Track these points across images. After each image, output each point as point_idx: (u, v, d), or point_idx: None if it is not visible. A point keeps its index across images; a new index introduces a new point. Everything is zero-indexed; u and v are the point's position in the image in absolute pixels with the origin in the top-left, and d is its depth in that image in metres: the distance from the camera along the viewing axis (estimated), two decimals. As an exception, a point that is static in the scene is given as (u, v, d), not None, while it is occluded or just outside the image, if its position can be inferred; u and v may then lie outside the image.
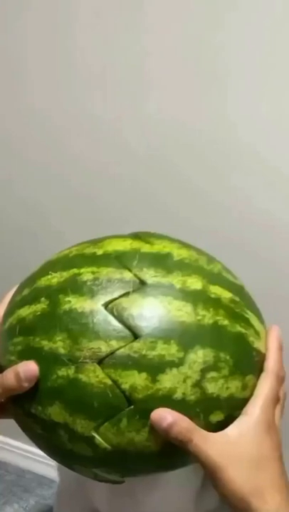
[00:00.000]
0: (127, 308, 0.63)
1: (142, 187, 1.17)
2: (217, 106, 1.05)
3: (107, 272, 0.65)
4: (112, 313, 0.62)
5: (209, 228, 1.12)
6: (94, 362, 0.61)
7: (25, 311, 0.67)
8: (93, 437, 0.62)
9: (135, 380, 0.60)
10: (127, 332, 0.62)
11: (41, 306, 0.66)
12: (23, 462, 1.54)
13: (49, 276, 0.68)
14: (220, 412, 0.63)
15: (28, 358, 0.64)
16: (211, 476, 0.61)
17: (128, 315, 0.62)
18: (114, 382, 0.60)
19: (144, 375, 0.60)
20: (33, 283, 0.70)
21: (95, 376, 0.61)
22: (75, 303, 0.64)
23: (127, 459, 0.63)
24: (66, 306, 0.64)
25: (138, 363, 0.60)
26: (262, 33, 0.98)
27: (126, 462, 0.64)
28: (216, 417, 0.63)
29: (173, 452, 0.63)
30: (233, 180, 1.08)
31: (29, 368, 0.63)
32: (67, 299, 0.64)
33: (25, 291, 0.70)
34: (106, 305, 0.63)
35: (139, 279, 0.65)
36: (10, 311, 0.70)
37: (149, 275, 0.65)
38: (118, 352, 0.61)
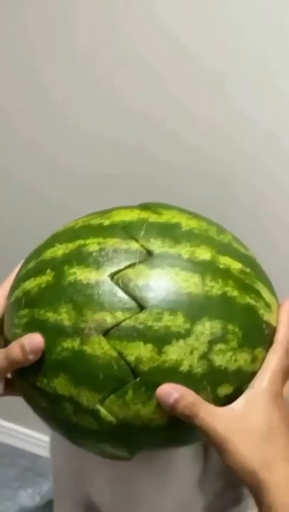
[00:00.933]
0: (133, 279, 0.62)
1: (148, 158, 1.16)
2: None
3: (113, 243, 0.65)
4: (117, 284, 0.62)
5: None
6: (99, 334, 0.60)
7: (30, 284, 0.67)
8: (98, 410, 0.61)
9: (140, 351, 0.60)
10: (132, 303, 0.61)
11: (46, 278, 0.65)
12: (37, 449, 1.55)
13: (55, 248, 0.68)
14: (228, 385, 0.62)
15: (33, 331, 0.64)
16: (218, 451, 0.60)
17: (134, 286, 0.62)
18: (120, 354, 0.60)
19: (149, 346, 0.60)
20: (38, 256, 0.69)
21: (100, 348, 0.60)
22: (80, 274, 0.63)
23: (133, 432, 0.63)
24: (71, 278, 0.63)
25: (143, 335, 0.60)
26: None
27: (132, 436, 0.64)
28: (224, 390, 0.62)
29: (180, 425, 0.62)
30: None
31: (34, 340, 0.63)
32: (72, 270, 0.64)
33: (31, 264, 0.69)
34: (112, 276, 0.62)
35: (146, 249, 0.64)
36: (16, 284, 0.70)
37: (156, 246, 0.64)
38: (123, 323, 0.60)
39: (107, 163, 1.23)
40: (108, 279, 0.63)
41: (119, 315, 0.61)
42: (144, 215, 0.69)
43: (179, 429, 0.63)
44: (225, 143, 1.11)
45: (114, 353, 0.60)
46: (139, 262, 0.63)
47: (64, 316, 0.62)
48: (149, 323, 0.60)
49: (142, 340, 0.60)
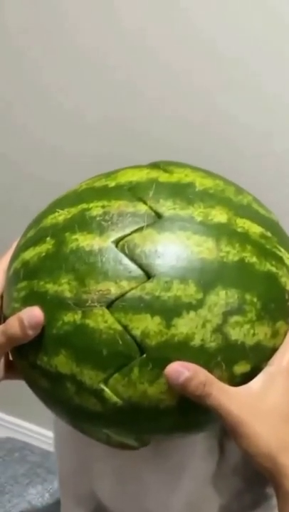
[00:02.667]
0: (140, 244, 0.58)
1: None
2: None
3: (118, 206, 0.61)
4: (123, 250, 0.58)
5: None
6: (102, 306, 0.57)
7: (29, 254, 0.63)
8: (102, 390, 0.58)
9: (147, 324, 0.56)
10: (139, 272, 0.58)
11: (46, 246, 0.62)
12: (48, 445, 1.52)
13: (56, 214, 0.64)
14: (245, 363, 0.59)
15: (32, 304, 0.61)
16: (233, 434, 0.57)
17: (140, 252, 0.58)
18: (125, 327, 0.56)
19: (157, 319, 0.56)
20: (38, 223, 0.66)
21: (103, 321, 0.57)
22: (82, 241, 0.60)
23: (140, 415, 0.59)
24: (73, 245, 0.60)
25: (151, 306, 0.56)
26: None
27: (139, 420, 0.60)
28: (241, 368, 0.59)
29: (192, 407, 0.58)
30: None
31: (33, 314, 0.60)
32: (74, 237, 0.60)
33: (31, 233, 0.66)
34: (117, 242, 0.59)
35: (154, 211, 0.60)
36: (15, 255, 0.66)
37: (166, 207, 0.60)
38: (129, 294, 0.57)
39: (100, 142, 1.22)
40: (112, 246, 0.59)
41: (125, 285, 0.57)
42: (153, 174, 0.64)
43: (190, 411, 0.60)
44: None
45: (119, 327, 0.56)
46: (147, 226, 0.60)
47: (65, 287, 0.59)
48: (157, 293, 0.57)
49: (148, 312, 0.57)
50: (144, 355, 0.57)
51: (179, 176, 0.64)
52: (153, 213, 0.60)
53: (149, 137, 1.17)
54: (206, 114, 1.13)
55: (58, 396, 0.62)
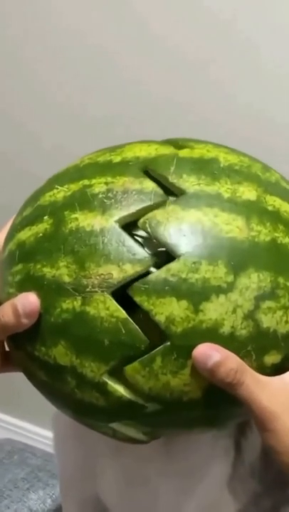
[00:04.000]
0: (163, 222, 0.55)
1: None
2: None
3: (123, 182, 0.58)
4: (144, 228, 0.56)
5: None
6: (104, 291, 0.54)
7: (25, 234, 0.60)
8: (105, 383, 0.55)
9: (173, 309, 0.53)
10: (145, 254, 0.55)
11: (44, 226, 0.59)
12: (51, 448, 1.48)
13: (54, 191, 0.61)
14: (276, 353, 0.56)
15: (28, 290, 0.57)
16: (261, 427, 0.55)
17: (164, 231, 0.55)
18: (148, 312, 0.53)
19: (184, 303, 0.53)
20: (35, 201, 0.62)
21: (104, 308, 0.54)
22: (82, 220, 0.57)
23: (160, 409, 0.56)
24: (72, 225, 0.57)
25: (177, 289, 0.53)
26: None
27: (158, 414, 0.57)
28: (272, 358, 0.56)
29: (217, 401, 0.57)
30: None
31: (29, 300, 0.57)
32: (73, 216, 0.57)
33: (27, 211, 0.62)
34: (120, 222, 0.56)
35: (177, 187, 0.57)
36: (9, 235, 0.63)
37: (190, 183, 0.57)
38: (152, 276, 0.54)
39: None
40: (116, 225, 0.56)
41: (128, 268, 0.55)
42: (163, 150, 0.61)
43: (216, 404, 0.58)
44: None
45: (122, 315, 0.53)
46: (170, 202, 0.57)
47: (63, 271, 0.56)
48: (184, 275, 0.53)
49: (174, 295, 0.54)
50: (168, 343, 0.54)
51: (200, 151, 0.62)
52: (161, 191, 0.57)
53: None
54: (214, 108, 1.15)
55: (59, 390, 0.59)
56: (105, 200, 0.57)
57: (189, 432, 0.65)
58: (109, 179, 0.59)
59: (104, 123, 1.25)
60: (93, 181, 0.59)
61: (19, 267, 0.60)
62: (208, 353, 0.54)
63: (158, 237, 0.55)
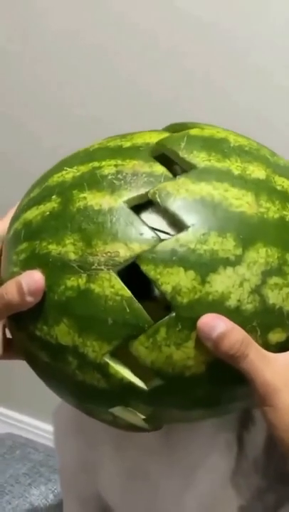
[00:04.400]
0: (173, 193, 0.55)
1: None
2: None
3: (133, 165, 0.58)
4: (154, 199, 0.56)
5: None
6: (110, 269, 0.54)
7: (32, 213, 0.60)
8: (107, 364, 0.55)
9: (180, 280, 0.53)
10: (152, 234, 0.55)
11: (51, 205, 0.59)
12: (53, 443, 1.48)
13: (63, 172, 0.62)
14: (281, 330, 0.56)
15: (33, 268, 0.57)
16: (263, 403, 0.55)
17: (174, 201, 0.55)
18: (154, 281, 0.53)
19: (191, 274, 0.53)
20: (43, 182, 0.62)
21: (110, 286, 0.54)
22: (91, 199, 0.57)
23: (161, 385, 0.56)
24: (80, 204, 0.57)
25: (185, 259, 0.54)
26: None
27: (158, 390, 0.57)
28: (276, 336, 0.56)
29: (220, 377, 0.57)
30: None
31: (34, 278, 0.56)
32: (82, 195, 0.58)
33: (34, 192, 0.63)
34: (129, 202, 0.57)
35: (187, 162, 0.57)
36: (15, 216, 0.63)
37: (200, 158, 0.58)
38: (160, 245, 0.55)
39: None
40: (124, 206, 0.56)
41: (136, 247, 0.55)
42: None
43: (218, 381, 0.57)
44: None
45: (127, 293, 0.53)
46: (180, 175, 0.57)
47: (69, 248, 0.56)
48: (192, 246, 0.54)
49: (182, 265, 0.54)
50: (174, 314, 0.54)
51: (210, 131, 0.63)
52: (170, 175, 0.58)
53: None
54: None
55: (59, 372, 0.59)
56: (115, 181, 0.58)
57: (189, 415, 0.63)
58: (119, 162, 0.59)
59: (103, 123, 1.26)
60: (103, 163, 0.59)
61: (24, 245, 0.60)
62: (214, 323, 0.53)
63: (167, 208, 0.55)
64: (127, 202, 0.57)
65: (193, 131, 0.62)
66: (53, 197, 0.60)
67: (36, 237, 0.59)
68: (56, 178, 0.62)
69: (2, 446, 1.41)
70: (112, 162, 0.59)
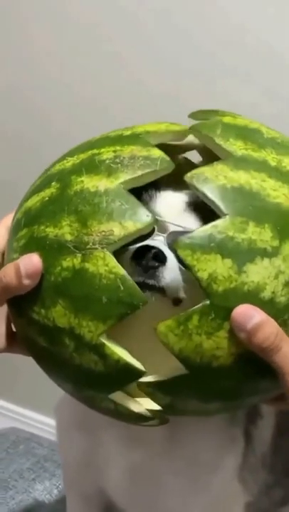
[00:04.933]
0: (212, 179, 0.56)
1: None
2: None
3: (131, 150, 0.59)
4: (191, 183, 0.57)
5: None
6: (104, 248, 0.55)
7: (32, 201, 0.62)
8: (103, 345, 0.55)
9: (217, 267, 0.53)
10: (146, 213, 0.56)
11: (50, 190, 0.61)
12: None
13: (64, 161, 0.63)
14: None
15: (31, 251, 0.58)
16: None
17: (213, 188, 0.55)
18: (190, 267, 0.53)
19: (228, 262, 0.53)
20: (46, 172, 0.64)
21: (104, 265, 0.54)
22: (87, 182, 0.58)
23: (185, 376, 0.56)
24: (77, 187, 0.59)
25: (223, 247, 0.54)
26: None
27: (182, 381, 0.56)
28: None
29: (246, 370, 0.57)
30: None
31: (31, 261, 0.57)
32: (80, 179, 0.59)
33: (37, 182, 0.64)
34: (125, 184, 0.57)
35: (224, 150, 0.57)
36: (18, 207, 0.65)
37: (237, 147, 0.58)
38: (198, 231, 0.55)
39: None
40: (120, 187, 0.57)
41: (130, 225, 0.56)
42: (174, 127, 0.64)
43: (243, 374, 0.57)
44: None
45: (121, 271, 0.54)
46: (218, 162, 0.58)
47: (66, 230, 0.57)
48: (231, 233, 0.54)
49: (219, 253, 0.54)
50: (208, 302, 0.54)
51: (243, 121, 0.63)
52: (168, 158, 0.58)
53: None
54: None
55: (57, 356, 0.59)
56: (112, 165, 0.58)
57: (206, 408, 0.63)
58: (117, 148, 0.60)
59: (111, 112, 1.26)
60: (102, 150, 0.61)
61: (24, 231, 0.61)
62: (249, 313, 0.53)
63: (205, 193, 0.56)
64: (123, 183, 0.57)
65: (226, 119, 0.63)
66: (53, 183, 0.61)
67: (35, 222, 0.60)
68: (57, 167, 0.63)
69: (6, 441, 1.41)
70: (111, 148, 0.60)
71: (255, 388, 0.59)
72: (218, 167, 0.57)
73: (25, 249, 0.60)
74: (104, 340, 0.56)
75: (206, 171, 0.57)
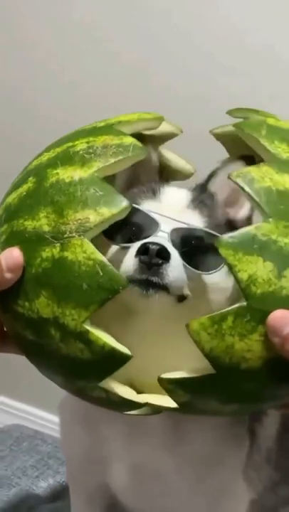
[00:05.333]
0: (258, 180, 0.56)
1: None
2: None
3: (104, 140, 0.60)
4: (236, 182, 0.57)
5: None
6: (81, 235, 0.56)
7: (11, 197, 0.63)
8: (87, 331, 0.56)
9: (257, 269, 0.53)
10: (122, 198, 0.58)
11: (27, 185, 0.62)
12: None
13: (41, 157, 0.65)
14: None
15: (12, 246, 0.59)
16: None
17: (259, 188, 0.56)
18: (231, 267, 0.53)
19: (269, 265, 0.53)
20: (25, 169, 0.65)
21: (82, 252, 0.55)
22: (62, 174, 0.59)
23: (211, 376, 0.56)
24: (53, 179, 0.60)
25: (265, 249, 0.54)
26: None
27: (206, 380, 0.57)
28: None
29: (272, 375, 0.57)
30: None
31: (12, 255, 0.58)
32: (55, 171, 0.60)
33: (17, 179, 0.66)
34: (99, 172, 0.59)
35: (268, 151, 0.59)
36: (0, 204, 0.66)
37: (282, 149, 0.59)
38: (241, 231, 0.55)
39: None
40: (94, 175, 0.57)
41: (105, 211, 0.57)
42: (146, 115, 0.66)
43: (269, 378, 0.57)
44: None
45: (99, 257, 0.55)
46: (263, 163, 0.58)
47: (43, 221, 0.58)
48: (274, 237, 0.54)
49: (261, 255, 0.54)
50: (245, 304, 0.54)
51: (286, 124, 0.64)
52: (139, 144, 0.60)
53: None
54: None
55: (45, 348, 0.60)
56: (85, 155, 0.60)
57: (223, 409, 0.64)
58: (91, 139, 0.62)
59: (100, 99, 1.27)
60: (76, 142, 0.62)
61: (4, 227, 0.63)
62: (286, 319, 0.53)
63: (250, 194, 0.56)
64: (97, 172, 0.58)
65: (270, 121, 0.63)
66: (30, 178, 0.63)
67: (14, 217, 0.62)
68: (34, 162, 0.65)
69: (9, 438, 1.41)
70: (85, 140, 0.62)
71: (276, 393, 0.60)
72: (263, 168, 0.57)
73: (7, 244, 0.61)
74: (88, 327, 0.56)
75: (253, 171, 0.57)
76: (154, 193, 0.70)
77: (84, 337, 0.57)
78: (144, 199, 0.70)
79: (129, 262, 0.62)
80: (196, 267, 0.64)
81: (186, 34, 1.17)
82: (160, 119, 0.65)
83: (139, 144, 0.59)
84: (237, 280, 0.54)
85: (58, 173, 0.60)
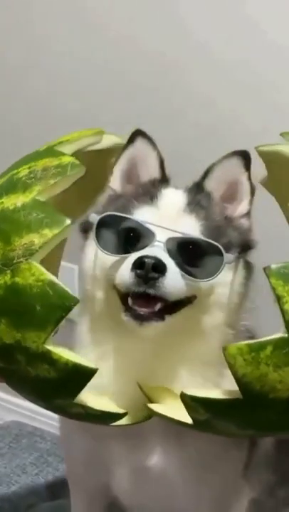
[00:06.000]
0: None
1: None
2: None
3: (44, 163, 0.62)
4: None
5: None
6: (27, 258, 0.57)
7: None
8: (49, 352, 0.57)
9: None
10: (62, 218, 0.59)
11: None
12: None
13: None
14: None
15: None
16: None
17: None
18: (279, 298, 0.54)
19: None
20: None
21: (30, 275, 0.57)
22: (7, 202, 0.61)
23: (237, 401, 0.57)
24: None
25: None
26: None
27: (232, 405, 0.58)
28: None
29: None
30: None
31: None
32: (0, 201, 0.61)
33: None
34: (40, 195, 0.60)
35: None
36: None
37: None
38: None
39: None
40: (36, 199, 0.59)
41: (47, 233, 0.58)
42: (87, 132, 0.69)
43: None
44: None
45: (48, 277, 0.56)
46: None
47: None
48: None
49: None
50: (286, 336, 0.55)
51: None
52: (78, 162, 0.61)
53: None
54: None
55: (16, 373, 0.63)
56: (27, 181, 0.62)
57: (238, 433, 0.66)
58: (32, 164, 0.64)
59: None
60: (19, 169, 0.65)
61: None
62: None
63: None
64: (38, 195, 0.60)
65: None
66: None
67: None
68: None
69: (8, 435, 1.42)
70: (27, 165, 0.64)
71: None
72: None
73: None
74: (48, 347, 0.58)
75: None
76: (151, 198, 0.71)
77: (47, 357, 0.59)
78: (142, 203, 0.71)
79: (126, 273, 0.63)
80: (194, 275, 0.66)
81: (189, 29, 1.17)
82: (101, 133, 0.67)
83: (76, 161, 0.61)
84: (282, 311, 0.55)
85: (2, 202, 0.62)
